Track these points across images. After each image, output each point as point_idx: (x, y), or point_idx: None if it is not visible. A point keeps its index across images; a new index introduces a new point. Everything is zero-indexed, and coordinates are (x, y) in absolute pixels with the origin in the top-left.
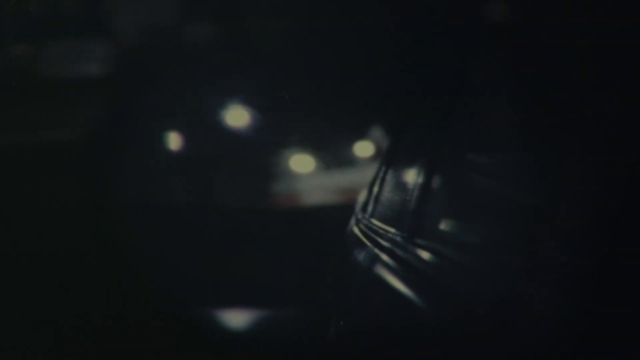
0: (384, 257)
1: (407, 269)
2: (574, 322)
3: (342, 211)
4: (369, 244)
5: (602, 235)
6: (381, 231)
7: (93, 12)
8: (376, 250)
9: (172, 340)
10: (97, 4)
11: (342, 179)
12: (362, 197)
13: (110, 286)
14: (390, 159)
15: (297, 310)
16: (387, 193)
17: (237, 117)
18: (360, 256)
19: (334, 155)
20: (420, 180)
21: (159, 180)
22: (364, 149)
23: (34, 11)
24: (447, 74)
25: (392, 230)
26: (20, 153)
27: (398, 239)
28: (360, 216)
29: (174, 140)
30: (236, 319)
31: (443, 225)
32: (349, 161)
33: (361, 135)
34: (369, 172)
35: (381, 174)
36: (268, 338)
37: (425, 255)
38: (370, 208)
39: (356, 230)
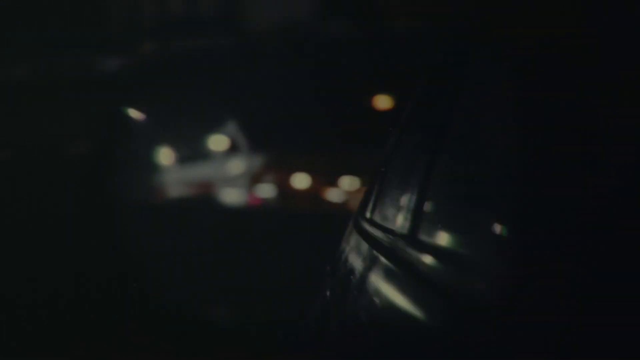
0: (384, 257)
1: (406, 269)
2: (573, 322)
3: (198, 204)
4: (368, 244)
5: (602, 235)
6: (380, 231)
7: (226, 11)
8: (375, 251)
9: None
10: (231, 3)
11: (198, 172)
12: (359, 197)
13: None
14: (390, 158)
15: (298, 310)
16: (387, 193)
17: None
18: (360, 256)
19: (190, 148)
20: (419, 180)
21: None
22: (218, 142)
23: (169, 11)
24: (447, 73)
25: (392, 230)
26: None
27: (398, 239)
28: (359, 216)
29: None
30: (233, 317)
31: (443, 226)
32: (205, 155)
33: (216, 129)
34: (224, 165)
35: (380, 174)
36: (267, 337)
37: (425, 255)
38: (369, 208)
39: (355, 230)
